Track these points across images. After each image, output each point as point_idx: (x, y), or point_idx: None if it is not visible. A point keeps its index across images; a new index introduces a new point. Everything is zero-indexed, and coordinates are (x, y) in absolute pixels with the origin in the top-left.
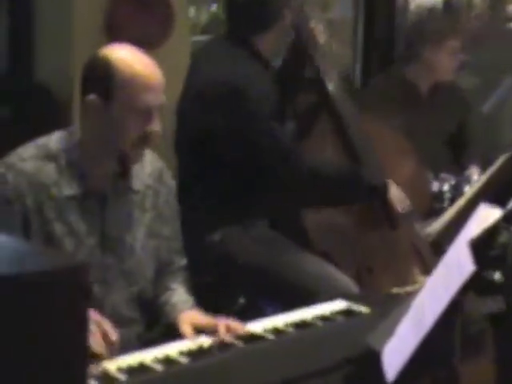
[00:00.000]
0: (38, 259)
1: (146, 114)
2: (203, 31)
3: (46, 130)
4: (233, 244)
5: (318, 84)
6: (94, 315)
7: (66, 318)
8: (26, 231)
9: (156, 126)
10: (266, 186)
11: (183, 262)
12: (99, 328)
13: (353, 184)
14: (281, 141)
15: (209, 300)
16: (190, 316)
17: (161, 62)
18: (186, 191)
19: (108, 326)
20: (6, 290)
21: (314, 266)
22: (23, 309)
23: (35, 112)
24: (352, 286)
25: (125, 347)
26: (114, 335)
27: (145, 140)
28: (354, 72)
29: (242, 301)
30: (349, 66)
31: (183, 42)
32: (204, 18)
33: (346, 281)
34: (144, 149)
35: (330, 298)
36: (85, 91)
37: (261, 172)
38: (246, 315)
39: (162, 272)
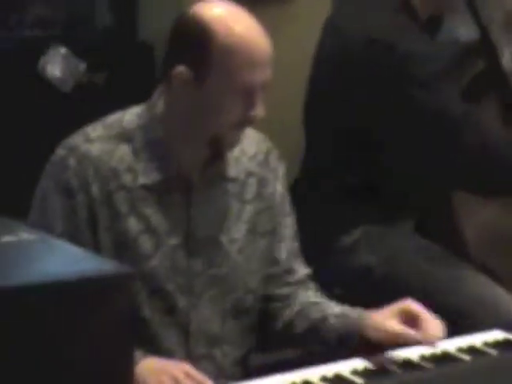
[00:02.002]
0: (77, 265)
1: (249, 93)
2: None
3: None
4: (370, 249)
5: (489, 54)
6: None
7: (108, 327)
8: (92, 226)
9: (260, 110)
10: (423, 171)
11: (308, 269)
12: None
13: None
14: (454, 107)
15: None
16: (378, 313)
17: (295, 16)
18: (311, 180)
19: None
20: (43, 298)
21: (475, 285)
22: (62, 316)
23: (137, 76)
24: None
25: (217, 372)
26: None
27: (244, 124)
28: None
29: None
30: None
31: None
32: None
33: None
34: (242, 132)
35: (489, 326)
36: (171, 59)
37: (417, 151)
38: None
39: (282, 281)
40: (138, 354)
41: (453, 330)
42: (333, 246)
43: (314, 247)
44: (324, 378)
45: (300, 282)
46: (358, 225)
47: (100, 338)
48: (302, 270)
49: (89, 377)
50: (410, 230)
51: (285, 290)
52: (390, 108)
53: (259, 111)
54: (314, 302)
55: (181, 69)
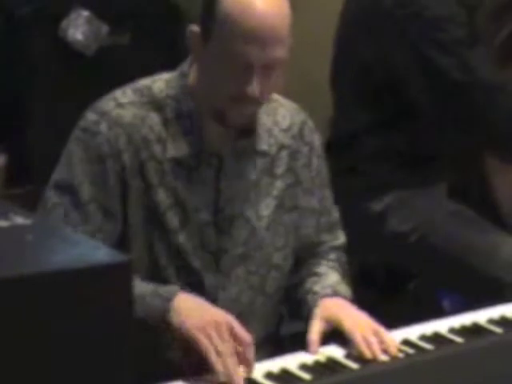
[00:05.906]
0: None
1: (246, 68)
2: None
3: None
4: (402, 216)
5: None
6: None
7: (105, 317)
8: (122, 196)
9: (255, 89)
10: (453, 136)
11: (339, 240)
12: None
13: None
14: (478, 72)
15: (367, 286)
16: (327, 308)
17: None
18: (340, 145)
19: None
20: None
21: (510, 250)
22: (51, 306)
23: (162, 37)
24: None
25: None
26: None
27: (241, 101)
28: None
29: (411, 287)
30: None
31: None
32: None
33: None
34: (244, 111)
35: None
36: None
37: (445, 116)
38: (416, 308)
39: (308, 255)
40: (175, 287)
41: (489, 297)
42: (363, 211)
43: (345, 212)
44: (303, 366)
45: (324, 253)
46: (388, 190)
47: (91, 328)
48: (332, 241)
49: (80, 372)
50: (441, 194)
51: (310, 262)
52: (416, 71)
53: (253, 90)
54: (317, 274)
55: (194, 28)
